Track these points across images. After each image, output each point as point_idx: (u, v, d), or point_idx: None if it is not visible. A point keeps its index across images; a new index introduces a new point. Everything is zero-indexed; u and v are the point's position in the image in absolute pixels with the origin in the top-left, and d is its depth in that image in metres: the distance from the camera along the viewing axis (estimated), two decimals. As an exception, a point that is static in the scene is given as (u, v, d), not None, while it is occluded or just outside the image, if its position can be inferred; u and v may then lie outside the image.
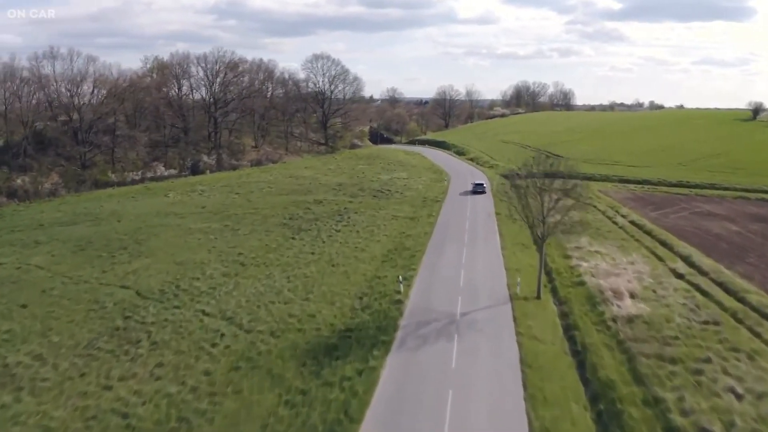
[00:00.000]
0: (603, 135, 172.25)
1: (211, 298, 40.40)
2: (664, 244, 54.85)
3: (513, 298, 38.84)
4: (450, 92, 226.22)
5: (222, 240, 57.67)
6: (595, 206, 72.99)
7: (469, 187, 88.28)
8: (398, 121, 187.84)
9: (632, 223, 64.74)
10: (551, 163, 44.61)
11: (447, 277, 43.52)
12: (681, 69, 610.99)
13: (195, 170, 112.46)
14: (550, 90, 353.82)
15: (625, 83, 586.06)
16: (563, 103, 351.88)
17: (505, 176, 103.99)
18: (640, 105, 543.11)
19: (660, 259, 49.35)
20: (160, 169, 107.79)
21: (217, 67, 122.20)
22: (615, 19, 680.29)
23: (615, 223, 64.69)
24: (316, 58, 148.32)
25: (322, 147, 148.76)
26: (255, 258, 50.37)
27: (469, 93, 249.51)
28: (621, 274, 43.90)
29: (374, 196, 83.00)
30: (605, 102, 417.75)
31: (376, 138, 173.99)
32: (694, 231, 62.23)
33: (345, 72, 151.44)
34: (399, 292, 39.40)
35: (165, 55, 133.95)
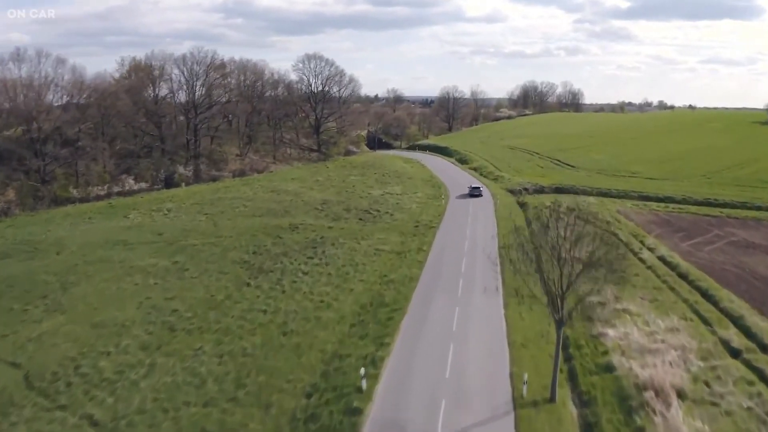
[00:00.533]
0: (615, 140, 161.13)
1: (111, 393, 30.06)
2: (706, 294, 44.12)
3: (517, 403, 28.13)
4: (454, 93, 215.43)
5: (162, 287, 47.33)
6: (616, 235, 62.31)
7: (470, 208, 77.91)
8: (398, 125, 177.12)
9: (662, 260, 53.98)
10: (576, 214, 33.36)
11: (430, 359, 32.87)
12: (688, 68, 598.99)
13: (169, 183, 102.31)
14: (559, 90, 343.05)
15: (633, 82, 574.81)
16: (572, 102, 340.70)
17: (512, 192, 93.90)
18: (648, 104, 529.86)
19: (706, 322, 38.62)
20: (130, 183, 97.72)
21: (198, 69, 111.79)
22: (623, 18, 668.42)
23: (642, 260, 53.92)
24: (309, 58, 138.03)
25: (314, 154, 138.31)
26: (190, 319, 39.95)
27: (474, 93, 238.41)
28: (660, 351, 33.28)
29: (360, 219, 72.52)
30: (613, 101, 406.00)
31: (375, 143, 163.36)
32: (737, 272, 51.44)
33: (340, 73, 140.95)
34: (361, 391, 28.83)
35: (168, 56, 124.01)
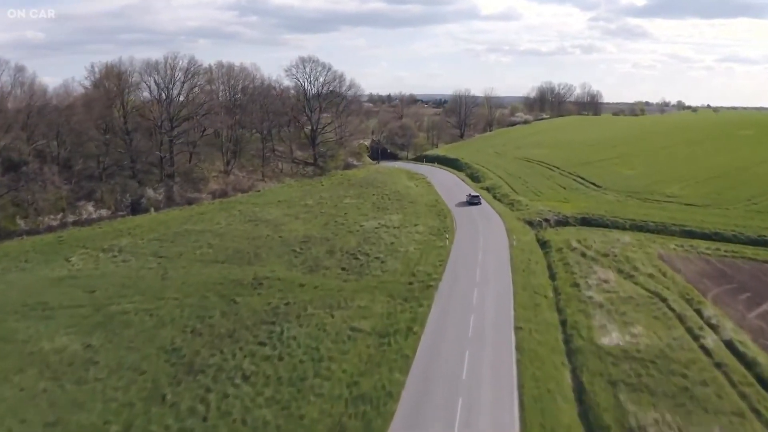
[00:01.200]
0: (643, 150, 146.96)
1: None
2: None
3: None
4: (466, 97, 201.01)
5: (50, 398, 34.42)
6: (665, 301, 48.57)
7: (479, 254, 64.34)
8: (404, 133, 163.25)
9: (731, 348, 40.15)
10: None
11: None
12: (704, 66, 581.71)
13: (136, 209, 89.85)
14: (577, 91, 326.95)
15: (648, 80, 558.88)
16: (590, 103, 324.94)
17: (530, 223, 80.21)
18: (666, 104, 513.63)
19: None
20: (89, 210, 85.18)
21: (175, 75, 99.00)
22: (638, 16, 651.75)
23: (706, 350, 40.06)
24: (303, 62, 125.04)
25: (309, 168, 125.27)
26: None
27: (488, 96, 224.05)
28: None
29: (343, 268, 59.18)
30: (629, 100, 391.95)
31: (378, 153, 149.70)
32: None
33: (338, 78, 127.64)
34: None
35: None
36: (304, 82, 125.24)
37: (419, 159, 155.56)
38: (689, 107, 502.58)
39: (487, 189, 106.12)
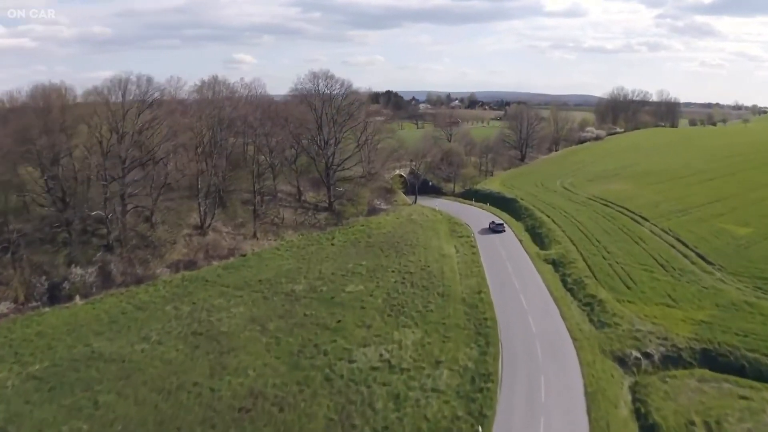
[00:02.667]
0: (749, 186, 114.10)
1: None
2: None
3: None
4: (529, 114, 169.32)
5: None
6: None
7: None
8: (451, 161, 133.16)
9: None
10: None
11: None
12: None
13: (55, 297, 64.33)
14: (653, 97, 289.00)
15: (715, 79, 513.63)
16: (667, 112, 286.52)
17: (621, 359, 50.26)
18: (739, 107, 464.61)
19: None
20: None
21: (123, 104, 72.95)
22: (706, 13, 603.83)
23: None
24: (315, 77, 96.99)
25: (322, 215, 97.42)
26: None
27: (554, 109, 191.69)
28: None
29: None
30: (698, 100, 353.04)
31: (417, 186, 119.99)
32: None
33: (357, 100, 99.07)
34: None
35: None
36: (314, 101, 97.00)
37: (467, 195, 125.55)
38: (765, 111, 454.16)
39: (554, 264, 75.81)
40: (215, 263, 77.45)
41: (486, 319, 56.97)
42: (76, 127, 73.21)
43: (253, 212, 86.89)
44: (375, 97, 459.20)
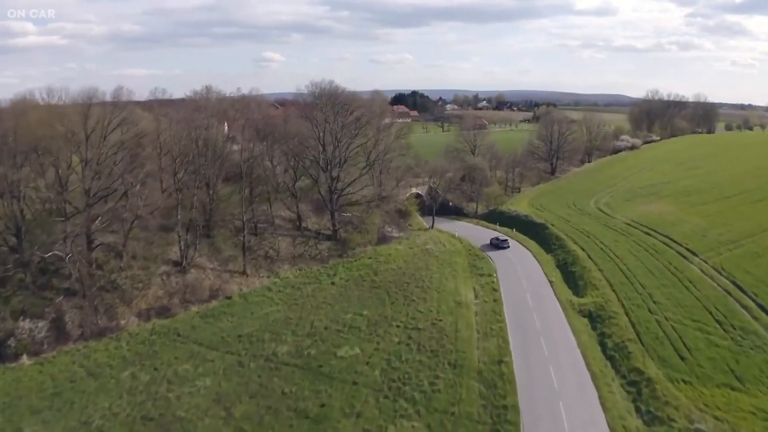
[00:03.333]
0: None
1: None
2: None
3: None
4: (560, 124, 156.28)
5: None
6: None
7: None
8: (473, 177, 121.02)
9: None
10: None
11: None
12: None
13: (1, 354, 54.51)
14: (688, 100, 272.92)
15: (747, 79, 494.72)
16: (704, 116, 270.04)
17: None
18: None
19: None
20: None
21: (84, 124, 62.62)
22: (736, 12, 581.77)
23: None
24: (315, 87, 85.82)
25: (325, 245, 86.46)
26: None
27: (586, 119, 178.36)
28: None
29: None
30: (730, 100, 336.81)
31: (435, 207, 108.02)
32: None
33: (360, 116, 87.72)
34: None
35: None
36: (315, 115, 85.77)
37: (491, 217, 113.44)
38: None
39: (590, 317, 63.84)
40: (194, 309, 67.14)
41: (506, 407, 45.26)
42: (31, 154, 63.22)
43: (243, 246, 76.12)
44: (400, 97, 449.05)
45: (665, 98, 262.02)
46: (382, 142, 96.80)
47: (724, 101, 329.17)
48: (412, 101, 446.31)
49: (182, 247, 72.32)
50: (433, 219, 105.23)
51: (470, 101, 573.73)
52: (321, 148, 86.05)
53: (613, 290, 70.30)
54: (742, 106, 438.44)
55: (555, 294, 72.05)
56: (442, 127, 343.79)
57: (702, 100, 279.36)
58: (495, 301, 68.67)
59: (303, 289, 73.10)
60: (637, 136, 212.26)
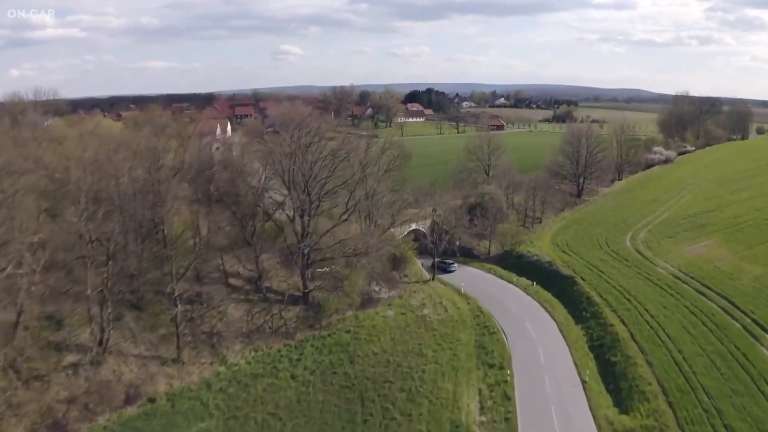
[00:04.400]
0: None
1: None
2: None
3: None
4: (589, 139, 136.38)
5: None
6: None
7: None
8: (485, 208, 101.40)
9: None
10: None
11: None
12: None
13: None
14: (722, 96, 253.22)
15: (765, 75, 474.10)
16: (738, 122, 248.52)
17: None
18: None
19: None
20: None
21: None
22: (756, 7, 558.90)
23: None
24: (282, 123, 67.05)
25: (293, 311, 67.91)
26: None
27: (616, 131, 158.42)
28: None
29: None
30: (750, 96, 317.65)
31: (439, 248, 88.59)
32: None
33: (342, 149, 68.96)
34: None
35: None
36: (277, 155, 67.09)
37: (508, 260, 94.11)
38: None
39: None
40: (100, 420, 49.18)
41: None
42: None
43: (176, 323, 57.79)
44: (415, 95, 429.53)
45: (696, 99, 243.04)
46: (372, 177, 77.90)
47: (747, 97, 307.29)
48: (427, 99, 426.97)
49: (99, 330, 54.38)
50: (435, 269, 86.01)
51: (487, 98, 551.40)
52: (291, 182, 67.29)
53: (669, 402, 51.38)
54: (765, 104, 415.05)
55: (589, 403, 52.99)
56: (457, 128, 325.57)
57: (737, 106, 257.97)
58: (507, 420, 49.78)
59: (252, 388, 54.95)
60: (670, 146, 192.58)
